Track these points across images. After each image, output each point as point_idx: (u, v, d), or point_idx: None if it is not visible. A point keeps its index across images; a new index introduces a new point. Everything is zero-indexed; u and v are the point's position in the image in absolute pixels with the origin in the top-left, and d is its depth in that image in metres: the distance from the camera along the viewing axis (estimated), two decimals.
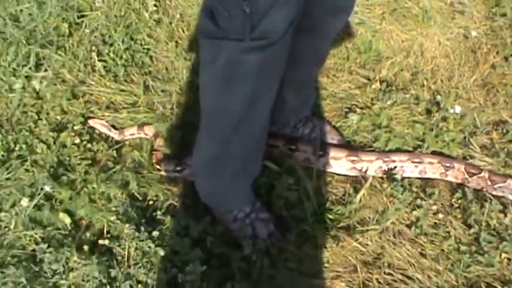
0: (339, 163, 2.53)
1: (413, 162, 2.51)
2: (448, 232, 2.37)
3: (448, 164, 2.51)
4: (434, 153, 2.60)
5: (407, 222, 2.41)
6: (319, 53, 2.39)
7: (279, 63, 1.90)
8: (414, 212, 2.42)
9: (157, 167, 2.55)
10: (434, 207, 2.44)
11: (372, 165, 2.52)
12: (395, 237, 2.36)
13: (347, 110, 2.79)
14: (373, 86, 2.86)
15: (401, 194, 2.45)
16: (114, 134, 2.72)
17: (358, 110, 2.77)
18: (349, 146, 2.63)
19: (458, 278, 2.22)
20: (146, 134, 2.69)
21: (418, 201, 2.45)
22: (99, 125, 2.75)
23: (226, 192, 2.36)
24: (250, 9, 1.64)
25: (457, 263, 2.26)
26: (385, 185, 2.50)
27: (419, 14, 3.29)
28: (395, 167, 2.51)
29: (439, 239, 2.35)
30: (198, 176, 2.37)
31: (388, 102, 2.77)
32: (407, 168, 2.53)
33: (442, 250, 2.31)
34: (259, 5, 1.65)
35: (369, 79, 2.94)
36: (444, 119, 2.71)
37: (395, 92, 2.84)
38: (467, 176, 2.48)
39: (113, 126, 2.75)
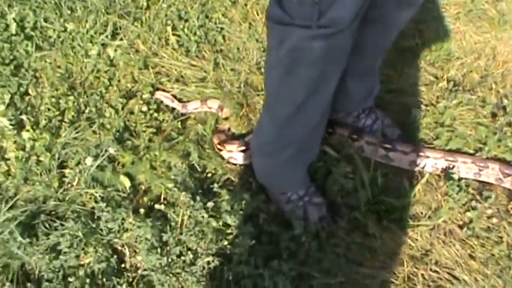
0: (400, 157, 2.53)
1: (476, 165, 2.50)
2: (501, 237, 2.35)
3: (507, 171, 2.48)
4: (495, 158, 2.58)
5: (460, 222, 2.40)
6: (384, 43, 2.39)
7: (344, 51, 1.91)
8: (468, 213, 2.41)
9: (219, 147, 2.60)
10: (489, 211, 2.42)
11: (431, 162, 2.51)
12: (446, 236, 2.35)
13: (411, 105, 2.77)
14: (440, 85, 2.84)
15: (457, 193, 2.44)
16: (178, 106, 2.80)
17: (422, 106, 2.76)
18: (411, 141, 2.62)
19: (506, 284, 2.20)
20: (210, 108, 2.75)
21: (473, 203, 2.43)
22: (163, 97, 2.83)
23: (282, 175, 2.39)
24: None
25: (506, 269, 2.24)
26: (441, 183, 2.50)
27: (496, 16, 3.25)
28: (453, 166, 2.49)
29: (490, 243, 2.33)
30: (256, 155, 2.42)
31: (454, 102, 2.75)
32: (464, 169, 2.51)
33: (493, 255, 2.30)
34: None
35: (436, 77, 2.92)
36: (509, 124, 2.69)
37: (462, 93, 2.82)
38: None
39: (179, 100, 2.83)
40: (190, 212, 2.31)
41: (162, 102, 2.83)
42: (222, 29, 3.12)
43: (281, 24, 1.79)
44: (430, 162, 2.52)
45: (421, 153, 2.52)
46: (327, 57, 1.85)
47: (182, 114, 2.77)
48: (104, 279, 2.29)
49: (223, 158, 2.59)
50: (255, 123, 2.66)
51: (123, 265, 2.35)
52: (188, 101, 2.82)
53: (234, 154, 2.55)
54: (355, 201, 2.40)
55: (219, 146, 2.58)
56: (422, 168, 2.52)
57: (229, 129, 2.70)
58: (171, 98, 2.83)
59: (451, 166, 2.49)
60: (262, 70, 2.85)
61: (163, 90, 2.88)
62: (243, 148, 2.54)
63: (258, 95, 2.77)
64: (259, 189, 2.46)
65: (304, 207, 2.39)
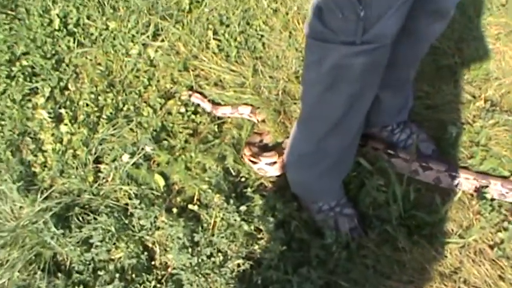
0: (436, 175, 2.54)
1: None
2: None
3: None
4: None
5: (491, 242, 2.38)
6: (416, 56, 2.38)
7: (382, 65, 1.91)
8: (499, 234, 2.39)
9: (251, 160, 2.58)
10: None
11: (465, 182, 2.51)
12: (476, 255, 2.34)
13: (447, 122, 2.77)
14: (477, 104, 2.83)
15: (489, 213, 2.42)
16: (208, 106, 2.85)
17: (458, 124, 2.75)
18: (446, 160, 2.61)
19: None
20: (241, 114, 2.78)
21: (505, 224, 2.41)
22: (194, 97, 2.89)
23: (314, 186, 2.40)
24: (365, 13, 1.66)
25: None
26: (473, 202, 2.48)
27: None
28: (487, 186, 2.49)
29: None
30: (290, 167, 2.43)
31: (490, 122, 2.75)
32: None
33: None
34: (373, 9, 1.66)
35: (474, 96, 2.91)
36: None
37: (499, 113, 2.80)
38: None
39: (212, 102, 2.86)
40: (223, 215, 2.33)
41: (193, 102, 2.88)
42: (262, 36, 3.14)
43: (322, 41, 1.79)
44: (462, 182, 2.51)
45: (454, 173, 2.51)
46: (367, 72, 1.85)
47: (219, 118, 2.79)
48: (134, 275, 2.33)
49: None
50: (290, 130, 2.67)
51: (153, 262, 2.38)
52: (221, 105, 2.84)
53: (265, 166, 2.56)
54: (387, 214, 2.40)
55: (251, 158, 2.58)
56: (455, 186, 2.51)
57: (261, 140, 2.71)
58: (201, 97, 2.88)
59: (483, 186, 2.48)
60: (300, 79, 2.87)
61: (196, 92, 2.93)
62: (273, 160, 2.54)
63: (295, 103, 2.78)
64: (292, 197, 2.47)
65: (335, 217, 2.40)
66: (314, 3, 1.76)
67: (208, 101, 2.88)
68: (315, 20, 1.77)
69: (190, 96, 2.89)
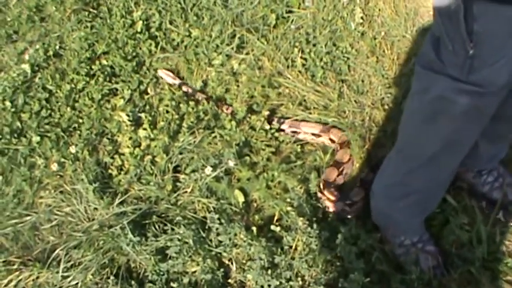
0: None
1: None
2: None
3: None
4: None
5: None
6: None
7: (487, 114, 1.85)
8: None
9: (325, 194, 2.50)
10: None
11: None
12: None
13: None
14: None
15: None
16: (176, 81, 3.08)
17: None
18: None
19: None
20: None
21: None
22: (164, 74, 3.07)
23: (398, 220, 2.34)
24: (474, 52, 1.60)
25: None
26: None
27: None
28: None
29: None
30: (376, 195, 2.37)
31: None
32: None
33: None
34: (484, 51, 1.60)
35: None
36: None
37: None
38: None
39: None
40: (306, 239, 2.27)
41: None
42: (348, 58, 3.08)
43: (430, 70, 1.75)
44: None
45: None
46: (470, 115, 1.79)
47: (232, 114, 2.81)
48: None
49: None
50: (373, 158, 2.62)
51: (228, 280, 2.33)
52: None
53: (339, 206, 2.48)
54: (470, 255, 2.32)
55: (325, 194, 2.49)
56: None
57: (340, 170, 2.62)
58: (167, 72, 3.08)
59: None
60: (386, 107, 2.81)
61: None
62: (348, 202, 2.47)
63: (379, 131, 2.72)
64: (374, 227, 2.40)
65: (417, 253, 2.33)
66: (432, 30, 1.73)
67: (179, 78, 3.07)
68: (428, 48, 1.73)
69: (156, 70, 3.11)
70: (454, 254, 2.34)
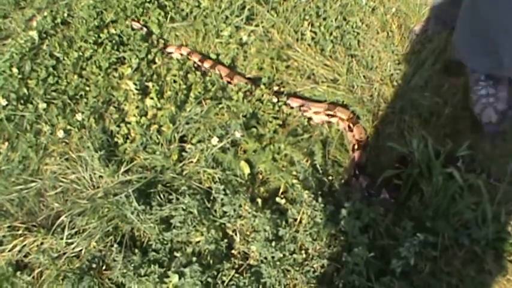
0: None
1: None
2: None
3: None
4: None
5: None
6: None
7: None
8: None
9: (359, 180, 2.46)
10: None
11: None
12: None
13: None
14: None
15: None
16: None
17: None
18: None
19: None
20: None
21: None
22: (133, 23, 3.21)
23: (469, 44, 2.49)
24: None
25: None
26: None
27: None
28: None
29: None
30: (456, 30, 2.53)
31: None
32: None
33: None
34: None
35: None
36: None
37: None
38: None
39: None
40: (311, 212, 2.26)
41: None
42: (358, 33, 3.05)
43: None
44: None
45: None
46: None
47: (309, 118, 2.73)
48: (211, 261, 2.28)
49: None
50: (381, 134, 2.60)
51: (232, 251, 2.33)
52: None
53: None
54: (475, 233, 2.31)
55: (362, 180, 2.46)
56: None
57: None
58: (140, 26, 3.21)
59: None
60: (395, 83, 2.79)
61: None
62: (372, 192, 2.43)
63: (387, 107, 2.70)
64: (378, 202, 2.39)
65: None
66: None
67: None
68: None
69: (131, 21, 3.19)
70: (459, 232, 2.33)
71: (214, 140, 2.51)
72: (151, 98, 2.80)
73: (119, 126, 2.75)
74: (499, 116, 2.53)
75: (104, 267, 2.35)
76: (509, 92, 2.58)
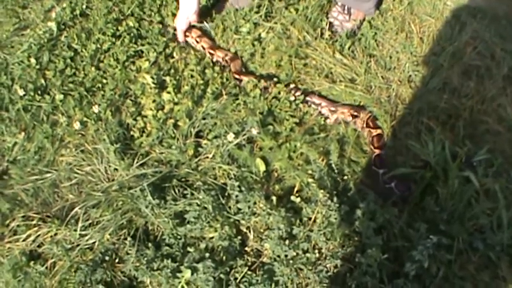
0: None
1: None
2: None
3: None
4: None
5: None
6: None
7: None
8: None
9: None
10: None
11: None
12: None
13: None
14: None
15: None
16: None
17: None
18: None
19: None
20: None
21: None
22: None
23: None
24: None
25: None
26: None
27: None
28: None
29: None
30: None
31: None
32: None
33: None
34: None
35: None
36: None
37: None
38: None
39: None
40: (325, 212, 2.25)
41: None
42: (376, 33, 3.03)
43: None
44: None
45: None
46: None
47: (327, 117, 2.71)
48: (224, 258, 2.28)
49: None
50: (398, 135, 2.59)
51: (245, 248, 2.33)
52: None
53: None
54: (490, 239, 2.30)
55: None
56: None
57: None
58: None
59: None
60: (413, 85, 2.77)
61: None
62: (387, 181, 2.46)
63: (405, 108, 2.68)
64: (393, 203, 2.38)
65: None
66: None
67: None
68: None
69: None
70: (473, 237, 2.32)
71: (230, 136, 2.50)
72: (168, 92, 2.80)
73: (135, 119, 2.75)
74: None
75: (116, 260, 2.36)
76: None
